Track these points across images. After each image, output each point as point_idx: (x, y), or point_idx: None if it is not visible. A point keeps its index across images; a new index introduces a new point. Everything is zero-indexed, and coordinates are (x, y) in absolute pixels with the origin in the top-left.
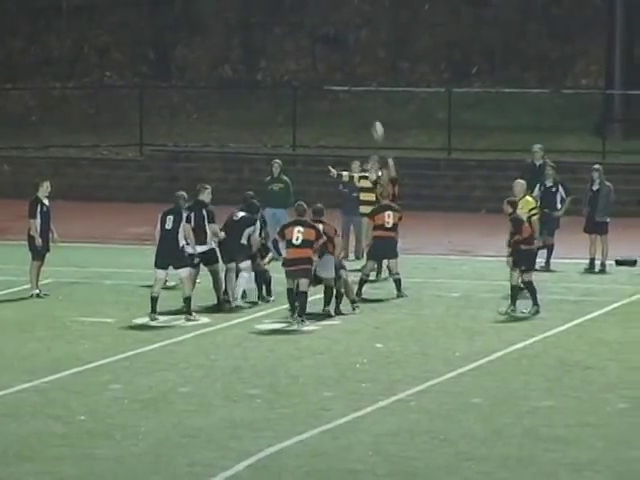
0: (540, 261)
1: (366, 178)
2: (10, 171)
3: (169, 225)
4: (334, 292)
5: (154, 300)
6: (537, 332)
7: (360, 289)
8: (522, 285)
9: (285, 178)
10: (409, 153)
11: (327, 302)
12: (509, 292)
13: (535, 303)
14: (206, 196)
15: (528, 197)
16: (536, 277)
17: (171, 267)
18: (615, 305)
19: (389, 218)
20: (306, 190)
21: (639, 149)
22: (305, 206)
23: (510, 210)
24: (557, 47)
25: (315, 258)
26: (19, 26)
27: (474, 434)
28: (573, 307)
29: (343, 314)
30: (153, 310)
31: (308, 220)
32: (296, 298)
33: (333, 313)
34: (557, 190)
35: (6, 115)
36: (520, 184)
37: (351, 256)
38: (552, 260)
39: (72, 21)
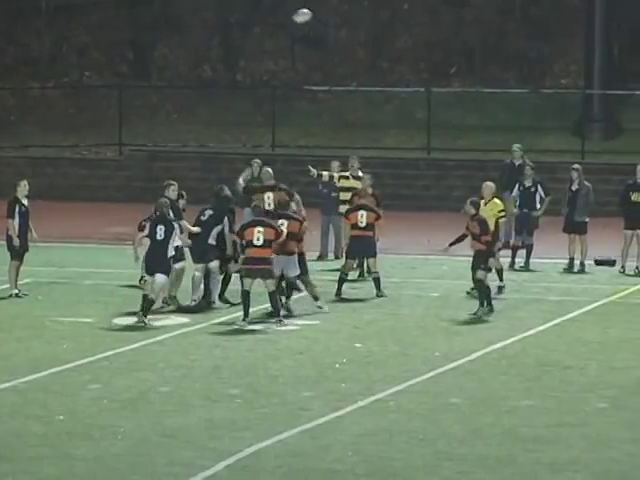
0: (519, 261)
1: (346, 178)
2: None
3: (160, 236)
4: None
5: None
6: (516, 332)
7: (339, 288)
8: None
9: None
10: (389, 153)
11: (288, 296)
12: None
13: (486, 304)
14: (171, 193)
15: (496, 200)
16: (516, 277)
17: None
18: (594, 305)
19: (362, 217)
20: None
21: (618, 149)
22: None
23: (473, 211)
24: (536, 47)
25: (274, 256)
26: None
27: (453, 434)
28: (552, 307)
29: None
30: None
31: (266, 220)
32: (269, 300)
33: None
34: (536, 190)
35: None
36: (489, 186)
37: (330, 255)
38: (531, 260)
39: (51, 21)
